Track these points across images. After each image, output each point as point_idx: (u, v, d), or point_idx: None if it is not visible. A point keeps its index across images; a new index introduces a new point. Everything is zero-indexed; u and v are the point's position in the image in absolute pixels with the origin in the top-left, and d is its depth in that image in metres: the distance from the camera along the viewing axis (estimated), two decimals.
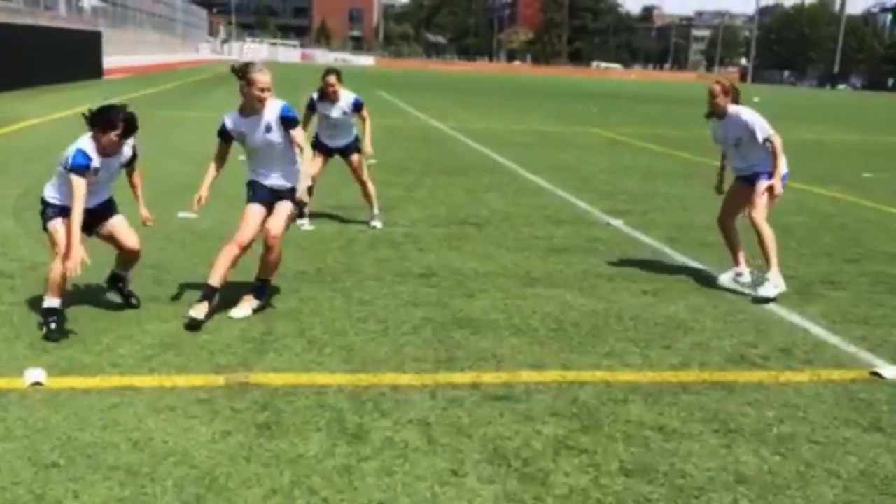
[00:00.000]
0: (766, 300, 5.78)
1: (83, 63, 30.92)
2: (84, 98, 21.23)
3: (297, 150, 5.09)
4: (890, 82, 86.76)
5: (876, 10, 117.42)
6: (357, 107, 7.62)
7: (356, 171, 7.85)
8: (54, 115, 16.94)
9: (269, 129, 4.97)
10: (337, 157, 7.90)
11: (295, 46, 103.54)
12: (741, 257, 6.24)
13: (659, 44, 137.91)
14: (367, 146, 7.71)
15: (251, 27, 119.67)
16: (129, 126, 4.65)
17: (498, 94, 37.21)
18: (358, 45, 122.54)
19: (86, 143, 4.63)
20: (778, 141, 5.83)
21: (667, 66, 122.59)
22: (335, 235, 7.37)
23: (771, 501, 3.18)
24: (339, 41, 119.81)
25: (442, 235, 7.58)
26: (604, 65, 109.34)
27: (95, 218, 4.88)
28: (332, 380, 4.13)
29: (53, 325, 4.55)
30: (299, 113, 5.43)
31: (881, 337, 5.18)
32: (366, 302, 5.42)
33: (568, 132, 19.53)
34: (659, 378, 4.37)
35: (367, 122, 7.73)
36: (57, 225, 4.66)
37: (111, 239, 5.01)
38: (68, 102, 19.64)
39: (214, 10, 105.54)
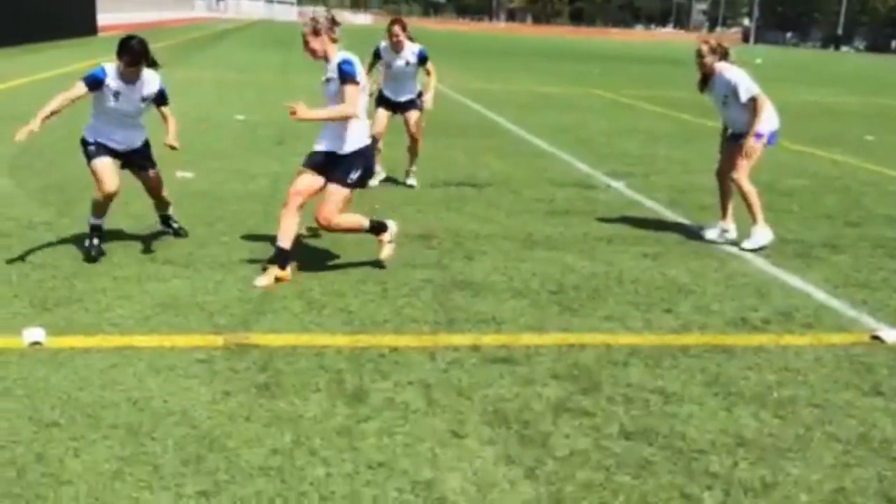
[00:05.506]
0: (753, 251, 6.11)
1: (77, 20, 30.48)
2: (73, 57, 21.00)
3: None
4: (893, 44, 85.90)
5: None
6: (422, 59, 7.54)
7: (412, 127, 7.79)
8: (41, 75, 16.73)
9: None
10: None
11: (292, 4, 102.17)
12: (729, 213, 6.43)
13: (661, 4, 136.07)
14: (429, 101, 7.65)
15: None
16: (127, 52, 4.97)
17: (498, 55, 36.82)
18: (356, 2, 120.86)
19: (109, 64, 5.08)
20: (762, 100, 5.92)
21: (669, 26, 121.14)
22: None
23: (771, 464, 3.19)
24: None
25: (441, 197, 7.53)
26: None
27: (131, 164, 5.47)
28: (331, 341, 4.12)
29: (96, 241, 5.21)
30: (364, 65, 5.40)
31: (882, 301, 5.18)
32: (365, 264, 5.39)
33: (569, 93, 19.34)
34: (659, 341, 4.36)
35: (433, 77, 7.65)
36: (97, 164, 5.19)
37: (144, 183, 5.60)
38: (61, 61, 19.40)
39: None
